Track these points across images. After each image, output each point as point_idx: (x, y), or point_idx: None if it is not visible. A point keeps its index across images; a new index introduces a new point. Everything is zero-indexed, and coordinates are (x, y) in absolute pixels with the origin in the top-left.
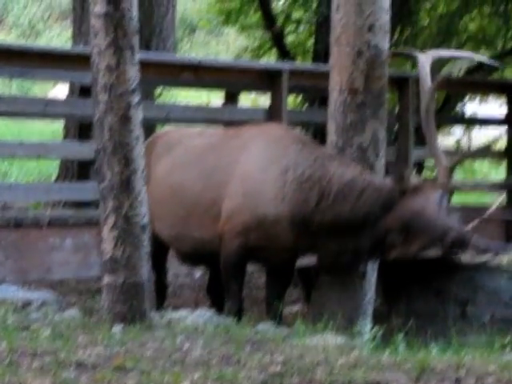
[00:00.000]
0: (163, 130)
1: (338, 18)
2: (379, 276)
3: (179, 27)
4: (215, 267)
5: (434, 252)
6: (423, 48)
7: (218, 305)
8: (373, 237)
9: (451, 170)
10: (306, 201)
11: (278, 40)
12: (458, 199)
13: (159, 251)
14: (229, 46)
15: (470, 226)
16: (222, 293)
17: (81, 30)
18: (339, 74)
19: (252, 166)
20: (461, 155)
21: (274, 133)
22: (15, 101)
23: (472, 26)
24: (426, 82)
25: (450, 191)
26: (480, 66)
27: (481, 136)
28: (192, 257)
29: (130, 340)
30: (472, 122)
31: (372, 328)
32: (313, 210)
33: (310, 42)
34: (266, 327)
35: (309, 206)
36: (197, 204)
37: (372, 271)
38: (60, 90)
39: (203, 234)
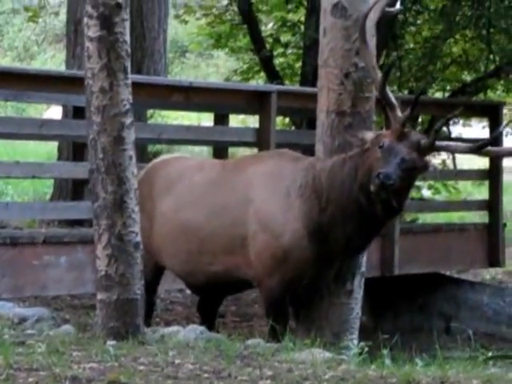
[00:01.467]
0: (160, 158)
1: (325, 42)
2: (365, 293)
3: (170, 50)
4: (225, 294)
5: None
6: (409, 71)
7: (208, 322)
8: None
9: (405, 117)
10: (311, 209)
11: (266, 63)
12: (443, 217)
13: (157, 278)
14: (219, 68)
15: None
16: (213, 310)
17: (74, 53)
18: (327, 95)
19: (262, 203)
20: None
21: (271, 162)
22: (11, 122)
23: (455, 49)
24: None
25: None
26: (463, 89)
27: (465, 157)
28: (205, 289)
29: (123, 355)
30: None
31: (359, 343)
32: (319, 213)
33: (298, 64)
34: (256, 342)
35: (316, 212)
36: (211, 241)
37: (358, 288)
38: (54, 112)
39: (218, 268)
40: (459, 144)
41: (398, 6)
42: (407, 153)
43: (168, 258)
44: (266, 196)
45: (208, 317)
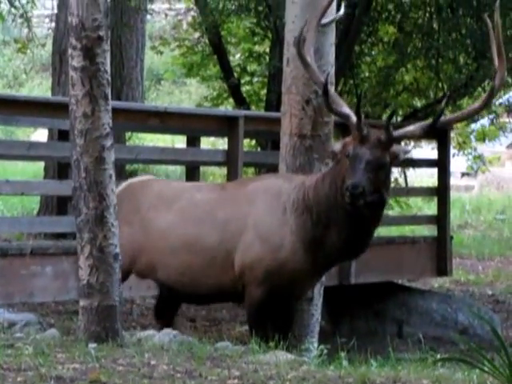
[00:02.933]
0: (138, 179)
1: (288, 71)
2: (324, 300)
3: (147, 78)
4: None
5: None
6: (365, 97)
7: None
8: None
9: (359, 121)
10: (305, 223)
11: (234, 90)
12: (396, 231)
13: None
14: (191, 95)
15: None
16: (171, 316)
17: (59, 81)
18: (289, 120)
19: (260, 217)
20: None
21: (270, 181)
22: (1, 144)
23: (407, 78)
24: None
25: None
26: (414, 114)
27: (416, 175)
28: (197, 299)
29: (103, 356)
30: (407, 163)
31: (318, 346)
32: (313, 226)
33: (263, 91)
34: (225, 345)
35: (309, 226)
36: (213, 255)
37: (318, 295)
38: (41, 135)
39: (216, 280)
40: (415, 126)
41: (341, 11)
42: (370, 154)
43: (163, 269)
44: (265, 211)
45: (167, 323)
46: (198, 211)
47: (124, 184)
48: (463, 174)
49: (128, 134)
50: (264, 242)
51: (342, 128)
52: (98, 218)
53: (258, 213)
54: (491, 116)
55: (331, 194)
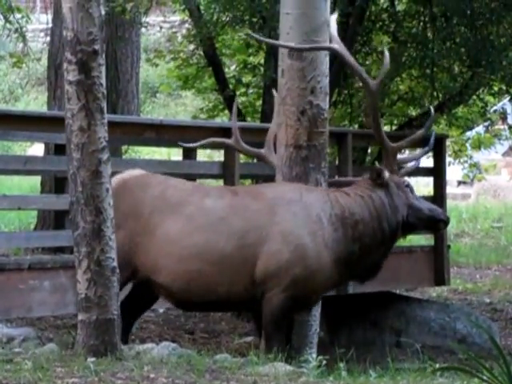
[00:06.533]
0: (130, 174)
1: (283, 82)
2: (322, 310)
3: (142, 91)
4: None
5: None
6: (359, 107)
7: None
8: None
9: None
10: (342, 238)
11: (230, 102)
12: None
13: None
14: (186, 107)
15: None
16: (136, 316)
17: (55, 95)
18: (285, 131)
19: (288, 225)
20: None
21: (288, 191)
22: None
23: (402, 87)
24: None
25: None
26: (409, 123)
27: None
28: (202, 306)
29: (102, 370)
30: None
31: (317, 357)
32: (351, 243)
33: (259, 103)
34: (224, 357)
35: (347, 242)
36: (227, 263)
37: (316, 306)
38: (37, 149)
39: (230, 288)
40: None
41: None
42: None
43: (167, 274)
44: (294, 221)
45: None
46: (210, 218)
47: (116, 180)
48: (459, 183)
49: (124, 148)
50: (294, 251)
51: (337, 138)
52: (95, 231)
53: (285, 223)
54: (486, 123)
55: (383, 215)
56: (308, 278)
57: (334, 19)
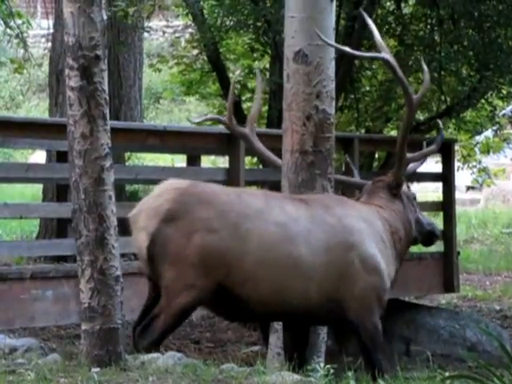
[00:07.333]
0: (183, 182)
1: (288, 87)
2: None
3: (145, 97)
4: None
5: None
6: (366, 112)
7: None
8: None
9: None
10: (396, 254)
11: (234, 107)
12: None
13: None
14: (190, 113)
15: None
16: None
17: (57, 102)
18: (291, 136)
19: (365, 248)
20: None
21: (354, 207)
22: None
23: None
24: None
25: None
26: (417, 127)
27: (420, 189)
28: (280, 318)
29: (107, 381)
30: (411, 176)
31: (325, 365)
32: (398, 257)
33: (264, 108)
34: (230, 367)
35: (397, 257)
36: (314, 278)
37: None
38: (39, 156)
39: (308, 302)
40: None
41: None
42: None
43: (253, 283)
44: (368, 241)
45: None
46: (299, 228)
47: (173, 189)
48: (468, 188)
49: (127, 154)
50: (371, 273)
51: (344, 143)
52: (98, 240)
53: (361, 244)
54: (495, 127)
55: (412, 232)
56: (384, 296)
57: (374, 27)
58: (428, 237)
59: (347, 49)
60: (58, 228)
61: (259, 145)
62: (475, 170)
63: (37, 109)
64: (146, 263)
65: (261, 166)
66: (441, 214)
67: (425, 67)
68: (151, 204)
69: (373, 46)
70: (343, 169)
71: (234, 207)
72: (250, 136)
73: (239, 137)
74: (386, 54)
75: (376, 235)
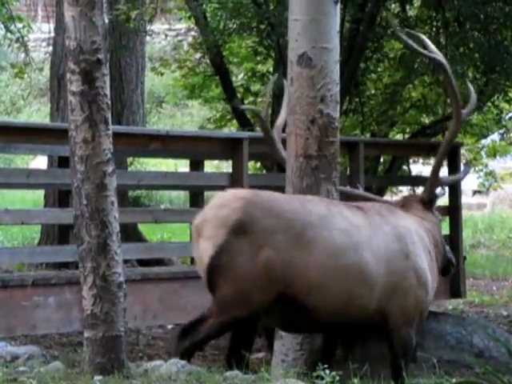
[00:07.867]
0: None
1: (292, 91)
2: None
3: (147, 101)
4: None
5: None
6: (371, 115)
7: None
8: None
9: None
10: (437, 268)
11: (238, 111)
12: None
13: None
14: (193, 117)
15: None
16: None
17: (58, 107)
18: (295, 140)
19: (417, 260)
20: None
21: (404, 218)
22: (0, 173)
23: (414, 94)
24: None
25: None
26: (423, 131)
27: None
28: (339, 327)
29: None
30: (417, 181)
31: (330, 372)
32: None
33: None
34: (234, 374)
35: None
36: (373, 287)
37: None
38: (40, 162)
39: (368, 312)
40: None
41: None
42: None
43: (319, 293)
44: (418, 253)
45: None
46: (361, 235)
47: (239, 198)
48: (475, 192)
49: (130, 159)
50: (421, 286)
51: (349, 147)
52: (100, 246)
53: (415, 255)
54: (501, 130)
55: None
56: (424, 313)
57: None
58: (447, 264)
59: (410, 42)
60: (60, 234)
61: (284, 152)
62: (482, 173)
63: (38, 114)
64: (205, 272)
65: (264, 171)
66: (447, 218)
67: (469, 84)
68: (216, 213)
69: (378, 49)
70: (348, 173)
71: (299, 216)
72: (277, 142)
73: (267, 139)
74: (442, 58)
75: (425, 247)
